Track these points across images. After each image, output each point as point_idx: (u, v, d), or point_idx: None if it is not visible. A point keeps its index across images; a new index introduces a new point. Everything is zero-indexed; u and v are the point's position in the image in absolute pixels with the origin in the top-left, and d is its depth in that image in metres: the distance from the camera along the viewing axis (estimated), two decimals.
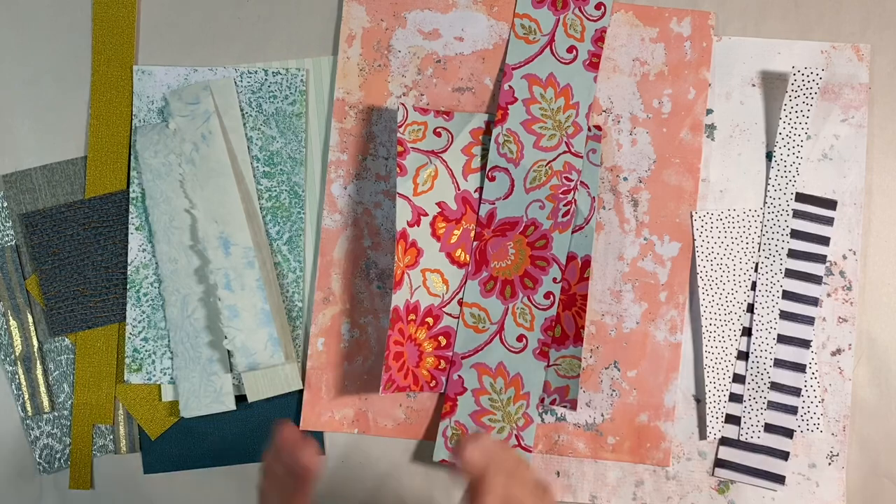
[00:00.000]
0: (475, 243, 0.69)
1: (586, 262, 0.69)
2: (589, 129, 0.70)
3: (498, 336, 0.69)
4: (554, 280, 0.69)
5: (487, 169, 0.69)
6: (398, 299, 0.67)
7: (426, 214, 0.68)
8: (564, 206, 0.69)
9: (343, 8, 0.72)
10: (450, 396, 0.69)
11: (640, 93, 0.72)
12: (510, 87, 0.70)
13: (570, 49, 0.70)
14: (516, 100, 0.69)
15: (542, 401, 0.69)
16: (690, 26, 0.72)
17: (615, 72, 0.72)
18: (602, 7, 0.71)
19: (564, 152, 0.69)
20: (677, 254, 0.71)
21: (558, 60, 0.70)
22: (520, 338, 0.69)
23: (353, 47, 0.72)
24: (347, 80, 0.72)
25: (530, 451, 0.69)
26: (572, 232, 0.69)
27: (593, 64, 0.71)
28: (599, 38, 0.71)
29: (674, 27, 0.72)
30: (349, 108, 0.72)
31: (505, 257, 0.69)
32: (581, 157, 0.69)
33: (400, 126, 0.68)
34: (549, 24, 0.71)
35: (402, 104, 0.68)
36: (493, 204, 0.69)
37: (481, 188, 0.69)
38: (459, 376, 0.69)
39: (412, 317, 0.68)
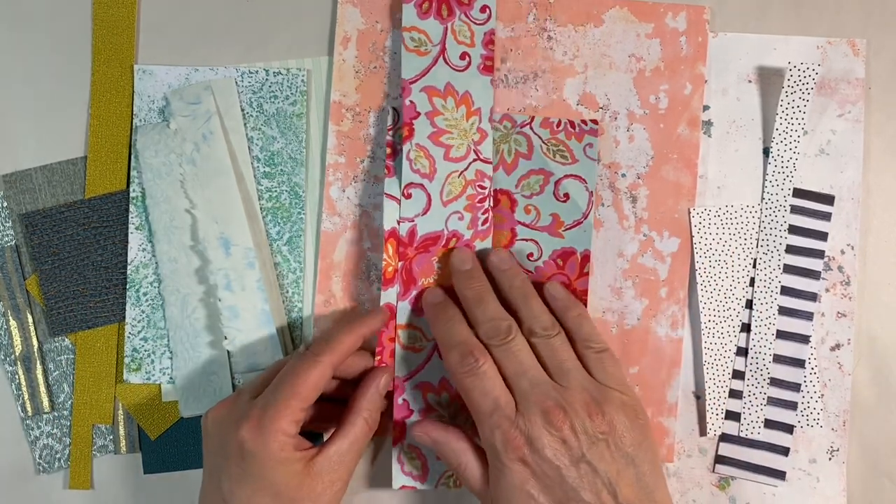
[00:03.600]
0: (400, 263, 0.68)
1: (585, 257, 0.69)
2: (490, 132, 0.69)
3: (435, 352, 0.68)
4: None
5: (402, 187, 0.68)
6: (389, 297, 0.67)
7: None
8: (482, 214, 0.68)
9: (337, 10, 0.72)
10: (398, 421, 0.68)
11: (636, 89, 0.72)
12: (411, 101, 0.68)
13: (463, 56, 0.69)
14: (419, 114, 0.68)
15: None
16: (686, 21, 0.72)
17: (611, 68, 0.72)
18: (487, 9, 0.70)
19: (474, 160, 0.68)
20: (677, 249, 0.71)
21: (453, 69, 0.69)
22: None
23: (349, 49, 0.72)
24: (343, 82, 0.72)
25: None
26: (570, 227, 0.69)
27: (487, 67, 0.70)
28: (490, 41, 0.70)
29: (669, 22, 0.72)
30: (346, 110, 0.72)
31: (431, 273, 0.68)
32: (490, 162, 0.69)
33: (389, 130, 0.68)
34: (438, 33, 0.69)
35: (393, 108, 0.69)
36: (413, 221, 0.68)
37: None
38: (404, 400, 0.68)
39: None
